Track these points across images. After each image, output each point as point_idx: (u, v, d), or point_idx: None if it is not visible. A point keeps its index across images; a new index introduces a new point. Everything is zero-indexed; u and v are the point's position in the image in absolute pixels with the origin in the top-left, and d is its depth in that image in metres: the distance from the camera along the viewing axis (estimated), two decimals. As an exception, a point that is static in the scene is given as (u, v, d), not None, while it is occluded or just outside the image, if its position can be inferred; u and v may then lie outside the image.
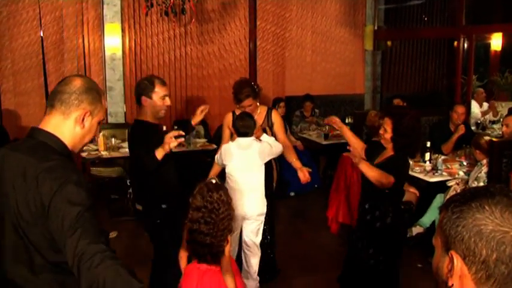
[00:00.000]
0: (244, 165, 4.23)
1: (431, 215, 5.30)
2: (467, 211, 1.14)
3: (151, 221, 3.92)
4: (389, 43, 10.52)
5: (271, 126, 4.69)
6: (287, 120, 8.31)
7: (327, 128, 8.11)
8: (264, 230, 4.66)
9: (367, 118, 5.54)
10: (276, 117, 4.74)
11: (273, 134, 4.65)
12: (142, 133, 3.76)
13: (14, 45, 7.40)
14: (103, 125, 7.63)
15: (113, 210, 6.96)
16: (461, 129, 6.20)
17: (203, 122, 7.17)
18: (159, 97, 3.77)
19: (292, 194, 7.66)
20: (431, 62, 10.84)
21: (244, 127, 4.22)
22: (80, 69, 7.79)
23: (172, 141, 3.52)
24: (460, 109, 6.42)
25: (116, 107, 8.10)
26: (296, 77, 9.50)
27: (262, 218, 4.34)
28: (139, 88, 3.82)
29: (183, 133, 3.57)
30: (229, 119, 4.74)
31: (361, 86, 10.15)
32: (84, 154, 6.61)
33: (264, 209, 4.32)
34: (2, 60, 7.35)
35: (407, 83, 10.69)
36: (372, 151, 3.99)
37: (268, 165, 4.56)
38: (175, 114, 8.48)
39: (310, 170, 4.51)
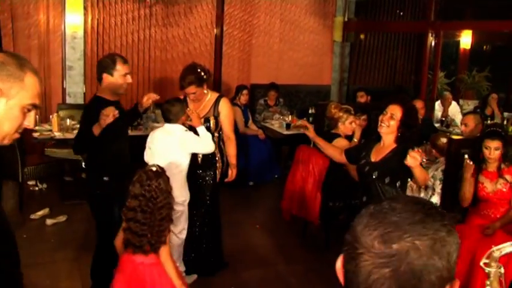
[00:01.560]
0: (162, 152, 4.13)
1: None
2: None
3: (91, 190, 3.94)
4: (362, 36, 10.48)
5: (216, 116, 4.47)
6: (250, 108, 8.20)
7: (289, 117, 8.02)
8: (204, 221, 4.55)
9: (327, 109, 5.41)
10: (224, 107, 4.51)
11: (217, 124, 4.48)
12: (96, 108, 3.71)
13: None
14: (60, 105, 7.45)
15: (65, 193, 6.76)
16: None
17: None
18: (121, 75, 3.80)
19: (251, 183, 7.56)
20: (400, 57, 10.84)
21: (166, 112, 4.14)
22: (38, 46, 7.53)
23: (105, 119, 3.55)
24: (418, 104, 6.33)
25: (75, 87, 7.86)
26: (262, 64, 9.38)
27: (181, 208, 4.19)
28: (101, 66, 3.84)
29: (117, 111, 3.60)
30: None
31: (328, 77, 10.08)
32: (36, 134, 6.40)
33: (183, 198, 4.19)
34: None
35: (375, 77, 10.67)
36: (365, 149, 3.86)
37: (210, 156, 4.47)
38: (136, 98, 8.27)
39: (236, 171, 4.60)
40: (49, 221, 5.86)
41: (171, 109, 4.11)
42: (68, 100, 7.81)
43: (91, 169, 3.98)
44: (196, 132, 4.25)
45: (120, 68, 3.78)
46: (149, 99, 4.07)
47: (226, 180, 4.56)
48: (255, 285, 4.70)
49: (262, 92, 8.67)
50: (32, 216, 5.98)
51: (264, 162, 7.71)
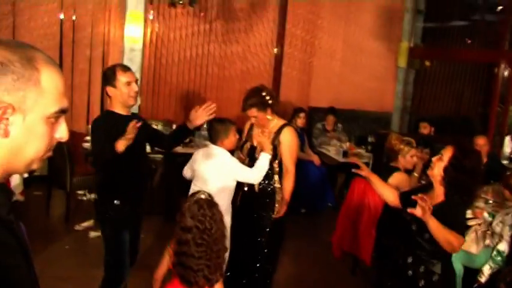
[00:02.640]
0: (205, 175, 3.94)
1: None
2: None
3: (102, 212, 3.73)
4: (427, 63, 10.04)
5: (276, 144, 4.12)
6: (307, 132, 7.91)
7: (347, 144, 7.68)
8: (260, 255, 4.26)
9: (388, 140, 5.07)
10: (286, 136, 4.14)
11: (276, 154, 4.14)
12: (107, 123, 3.54)
13: (32, 25, 7.16)
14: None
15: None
16: None
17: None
18: (123, 84, 3.54)
19: (303, 210, 7.24)
20: (467, 86, 10.30)
21: (210, 130, 4.02)
22: (96, 57, 7.51)
23: (131, 133, 3.33)
24: (480, 140, 5.81)
25: (131, 100, 7.77)
26: (322, 87, 9.10)
27: None
28: (104, 79, 3.66)
29: (139, 123, 3.40)
30: (247, 127, 4.38)
31: (389, 104, 9.66)
32: (86, 145, 6.34)
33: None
34: (19, 39, 7.10)
35: (440, 106, 10.19)
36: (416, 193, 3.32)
37: (268, 185, 4.17)
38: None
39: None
40: (92, 234, 5.74)
41: (216, 127, 3.95)
42: (123, 112, 7.74)
43: (101, 190, 3.75)
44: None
45: (121, 78, 3.53)
46: (202, 118, 3.82)
47: (273, 216, 4.21)
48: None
49: (320, 115, 8.37)
50: (77, 227, 5.89)
51: (318, 190, 7.38)
